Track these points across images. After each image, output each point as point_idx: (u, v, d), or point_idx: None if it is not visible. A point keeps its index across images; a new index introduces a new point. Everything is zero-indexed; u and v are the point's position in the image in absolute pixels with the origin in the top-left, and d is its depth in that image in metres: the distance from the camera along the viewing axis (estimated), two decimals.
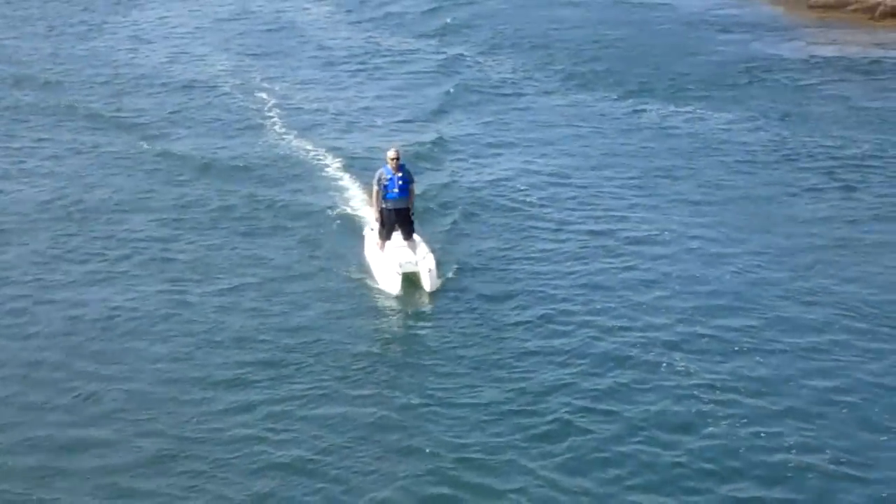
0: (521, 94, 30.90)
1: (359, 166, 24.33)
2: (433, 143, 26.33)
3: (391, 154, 19.04)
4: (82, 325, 17.49)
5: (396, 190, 19.00)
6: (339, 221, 21.71)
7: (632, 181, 23.84)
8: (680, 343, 16.56)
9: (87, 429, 14.71)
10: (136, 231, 21.21)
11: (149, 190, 23.47)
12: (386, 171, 19.04)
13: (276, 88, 31.57)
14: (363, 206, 22.04)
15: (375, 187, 19.13)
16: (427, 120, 28.65)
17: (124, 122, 28.29)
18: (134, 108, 29.34)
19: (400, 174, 19.02)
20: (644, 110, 29.04)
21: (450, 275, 18.94)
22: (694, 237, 20.68)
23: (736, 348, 16.43)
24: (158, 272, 19.35)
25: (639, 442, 14.18)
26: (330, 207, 22.39)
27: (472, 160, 25.48)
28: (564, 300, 18.07)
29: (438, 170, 24.59)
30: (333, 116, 29.05)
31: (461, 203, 22.68)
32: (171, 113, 29.02)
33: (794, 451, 13.92)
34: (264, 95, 30.86)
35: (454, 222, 21.64)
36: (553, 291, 18.42)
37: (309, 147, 26.35)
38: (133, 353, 16.55)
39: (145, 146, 26.29)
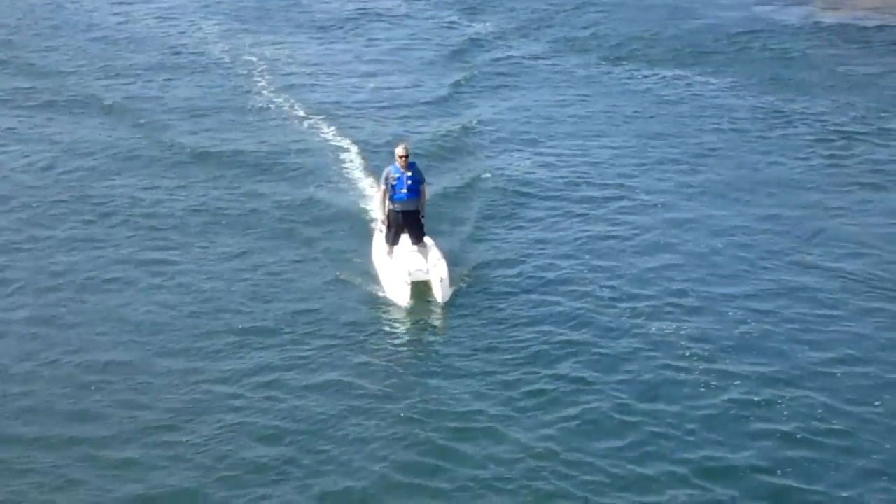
0: (519, 65, 30.08)
1: (369, 154, 23.15)
2: (435, 131, 25.08)
3: (400, 151, 17.46)
4: (67, 292, 17.39)
5: (405, 190, 17.43)
6: (345, 219, 20.26)
7: (647, 163, 22.87)
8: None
9: (78, 400, 14.43)
10: (124, 222, 20.02)
11: (143, 181, 22.23)
12: (394, 169, 17.47)
13: (284, 67, 30.33)
14: (373, 202, 20.49)
15: (382, 187, 17.56)
16: (420, 103, 27.51)
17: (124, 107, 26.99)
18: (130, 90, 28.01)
19: (409, 172, 17.45)
20: (643, 76, 29.20)
21: (463, 283, 17.41)
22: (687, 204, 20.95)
23: (732, 313, 16.53)
24: (143, 276, 17.99)
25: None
26: (337, 203, 20.94)
27: (481, 151, 24.09)
28: (591, 316, 16.53)
29: (449, 161, 23.13)
30: (341, 99, 27.84)
31: (474, 198, 21.21)
32: (170, 97, 27.73)
33: (784, 418, 13.85)
34: (271, 76, 29.57)
35: (466, 220, 20.18)
36: (577, 304, 16.91)
37: (317, 133, 24.99)
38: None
39: (140, 133, 25.09)
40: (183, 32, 34.84)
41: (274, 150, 24.10)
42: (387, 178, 17.46)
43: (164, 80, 29.38)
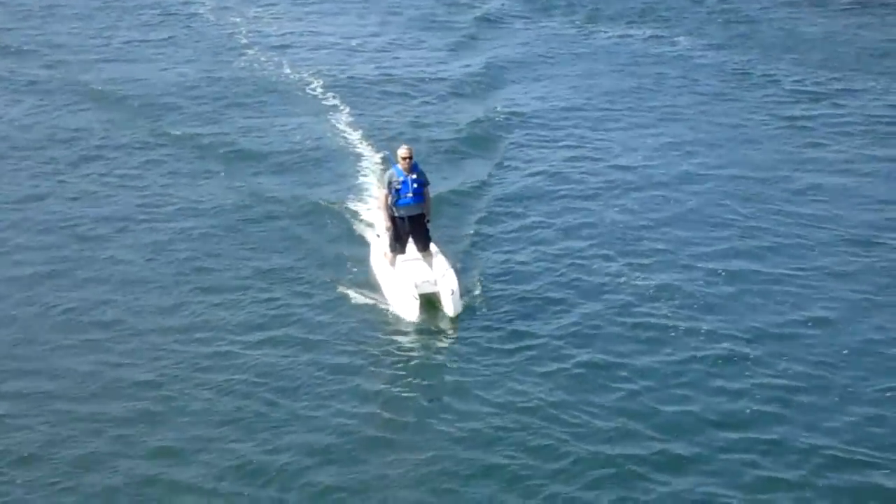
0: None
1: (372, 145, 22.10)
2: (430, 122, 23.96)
3: (403, 152, 16.18)
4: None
5: (410, 194, 16.17)
6: (344, 222, 19.03)
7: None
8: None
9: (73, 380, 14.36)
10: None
11: (137, 172, 21.39)
12: (397, 172, 16.20)
13: (290, 48, 29.37)
14: (363, 198, 19.46)
15: (385, 191, 16.29)
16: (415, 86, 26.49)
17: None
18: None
19: (413, 175, 16.18)
20: (604, 36, 30.16)
21: (474, 293, 16.19)
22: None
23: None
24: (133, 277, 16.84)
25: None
26: (336, 203, 19.67)
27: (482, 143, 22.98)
28: (612, 331, 15.39)
29: (455, 157, 21.94)
30: (350, 79, 27.08)
31: (479, 198, 19.99)
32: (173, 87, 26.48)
33: (756, 374, 14.02)
34: (276, 55, 28.60)
35: (473, 222, 18.95)
36: (595, 314, 15.73)
37: (321, 120, 23.97)
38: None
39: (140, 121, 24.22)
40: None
41: (272, 139, 23.03)
42: (390, 182, 16.19)
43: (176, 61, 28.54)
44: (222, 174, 21.26)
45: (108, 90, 26.20)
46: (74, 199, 20.20)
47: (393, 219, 16.31)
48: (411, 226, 16.33)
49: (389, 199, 16.20)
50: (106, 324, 15.73)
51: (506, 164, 21.77)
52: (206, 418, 13.42)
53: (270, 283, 16.83)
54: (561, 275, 16.91)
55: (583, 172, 21.14)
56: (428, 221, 16.45)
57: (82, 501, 12.08)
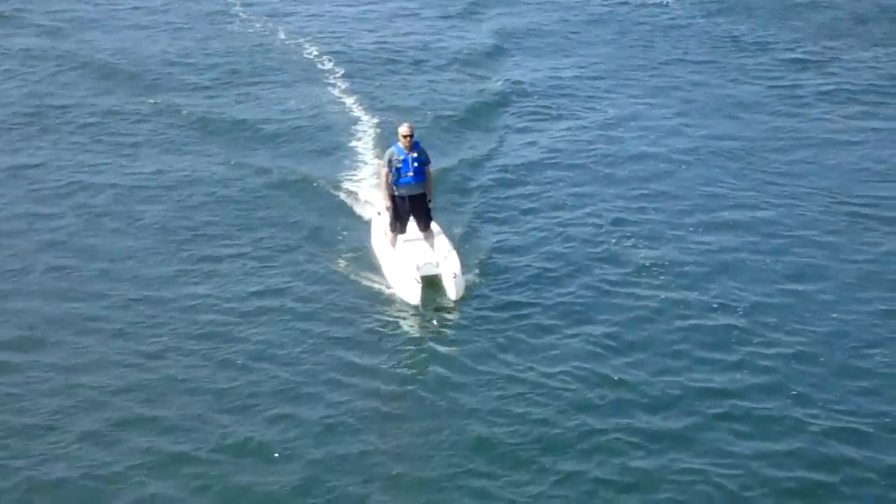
0: None
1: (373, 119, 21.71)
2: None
3: (404, 130, 15.74)
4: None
5: (411, 173, 15.75)
6: (344, 198, 18.62)
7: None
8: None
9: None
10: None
11: (133, 144, 20.99)
12: (397, 150, 15.77)
13: (289, 17, 28.97)
14: (375, 177, 18.97)
15: (385, 170, 15.87)
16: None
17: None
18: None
19: (415, 154, 15.76)
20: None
21: (476, 273, 15.81)
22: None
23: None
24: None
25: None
26: (335, 178, 19.28)
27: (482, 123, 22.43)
28: (619, 303, 15.08)
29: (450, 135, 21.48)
30: (354, 52, 26.44)
31: (479, 176, 19.58)
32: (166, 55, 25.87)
33: (740, 343, 14.08)
34: (274, 23, 28.24)
35: (473, 200, 18.58)
36: (604, 291, 15.42)
37: (318, 98, 23.30)
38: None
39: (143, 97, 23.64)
40: None
41: (269, 112, 22.58)
42: (390, 161, 15.77)
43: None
44: (219, 147, 20.88)
45: (104, 59, 25.75)
46: (70, 168, 19.96)
47: (393, 198, 15.91)
48: (412, 205, 15.93)
49: (390, 177, 15.78)
50: (100, 295, 15.54)
51: (501, 137, 21.40)
52: (202, 394, 13.26)
53: (268, 260, 16.50)
54: (559, 252, 16.61)
55: (576, 144, 20.89)
56: (429, 201, 16.05)
57: (73, 474, 11.93)
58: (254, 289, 15.67)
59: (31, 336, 14.59)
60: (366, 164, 19.82)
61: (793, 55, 25.81)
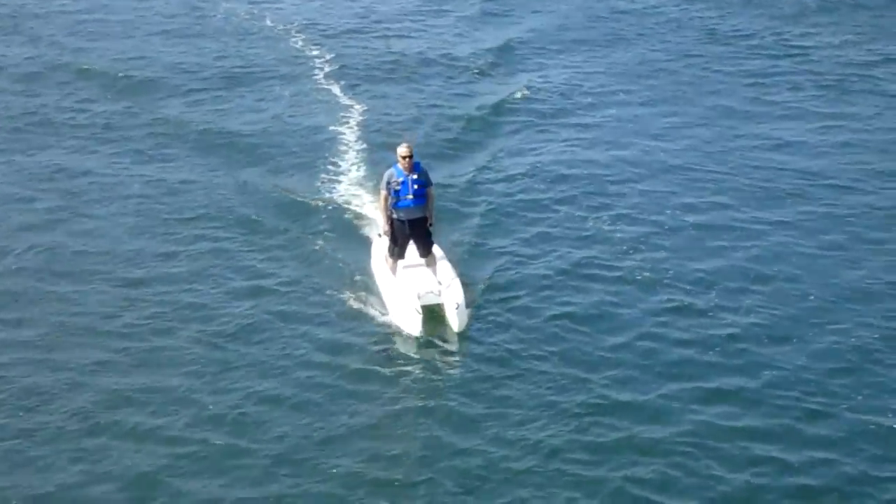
0: None
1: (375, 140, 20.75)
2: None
3: (403, 150, 14.93)
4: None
5: (411, 196, 14.94)
6: (342, 220, 17.79)
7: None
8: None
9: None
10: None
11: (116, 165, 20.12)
12: (396, 171, 14.96)
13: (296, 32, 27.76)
14: (375, 195, 18.17)
15: (384, 192, 15.05)
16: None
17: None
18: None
19: (415, 175, 14.95)
20: None
21: (479, 302, 14.99)
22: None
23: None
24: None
25: None
26: (333, 199, 18.45)
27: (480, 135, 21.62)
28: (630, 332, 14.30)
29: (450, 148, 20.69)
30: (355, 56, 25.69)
31: (482, 194, 18.76)
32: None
33: (716, 320, 14.41)
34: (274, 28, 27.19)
35: (475, 221, 17.75)
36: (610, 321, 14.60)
37: (315, 105, 22.60)
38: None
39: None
40: None
41: (263, 124, 21.80)
42: (389, 183, 14.96)
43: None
44: (207, 162, 20.13)
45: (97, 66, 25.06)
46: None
47: (391, 221, 15.10)
48: (412, 229, 15.13)
49: (388, 200, 14.98)
50: (81, 274, 15.87)
51: (498, 149, 20.71)
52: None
53: (261, 284, 15.78)
54: (566, 278, 15.82)
55: (579, 157, 20.18)
56: (430, 225, 15.23)
57: (44, 449, 12.13)
58: (248, 312, 14.95)
59: (11, 313, 14.87)
60: (364, 182, 18.98)
61: (768, 42, 25.89)
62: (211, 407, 12.93)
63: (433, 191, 15.25)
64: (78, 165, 19.79)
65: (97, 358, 13.88)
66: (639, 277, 15.61)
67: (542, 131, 21.47)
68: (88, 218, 17.79)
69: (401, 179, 14.89)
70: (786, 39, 26.54)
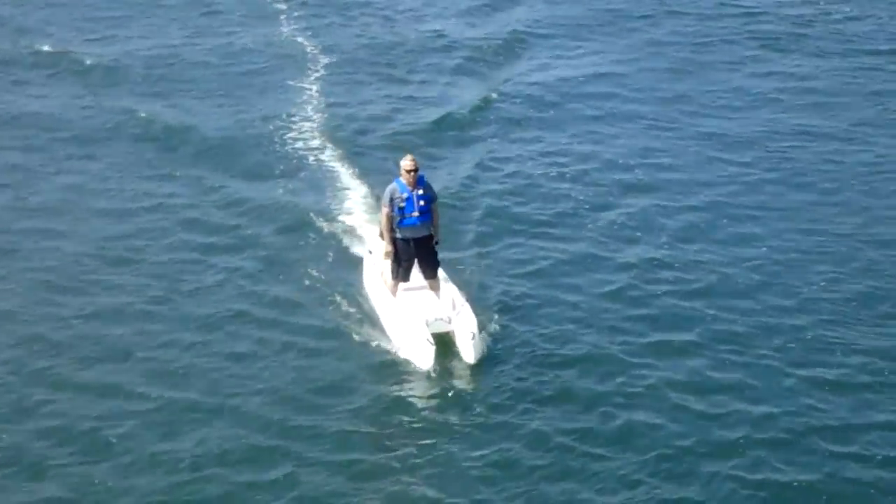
0: None
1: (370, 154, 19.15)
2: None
3: (407, 163, 13.58)
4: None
5: (416, 213, 13.61)
6: (330, 232, 16.36)
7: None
8: None
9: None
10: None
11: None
12: (399, 186, 13.61)
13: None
14: (363, 204, 16.94)
15: (386, 210, 13.69)
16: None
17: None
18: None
19: (420, 191, 13.62)
20: None
21: (493, 328, 13.70)
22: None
23: None
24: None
25: None
26: (327, 213, 16.94)
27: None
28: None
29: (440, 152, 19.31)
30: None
31: (476, 198, 17.50)
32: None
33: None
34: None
35: (473, 230, 16.51)
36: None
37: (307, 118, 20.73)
38: None
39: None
40: None
41: (237, 129, 20.05)
42: (392, 199, 13.61)
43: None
44: (178, 170, 18.54)
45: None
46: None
47: (394, 241, 13.76)
48: (417, 249, 13.81)
49: (391, 218, 13.63)
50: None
51: (493, 149, 19.38)
52: None
53: (243, 304, 14.42)
54: (581, 295, 14.64)
55: (584, 155, 18.96)
56: (436, 243, 13.93)
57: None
58: (221, 349, 13.53)
59: None
60: (351, 193, 17.56)
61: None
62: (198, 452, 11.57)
63: (437, 205, 13.93)
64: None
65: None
66: (672, 309, 14.33)
67: (532, 128, 20.23)
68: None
69: (405, 195, 13.55)
70: None
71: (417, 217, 13.60)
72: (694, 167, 18.43)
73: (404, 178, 13.56)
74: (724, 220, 16.63)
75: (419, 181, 13.64)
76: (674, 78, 22.31)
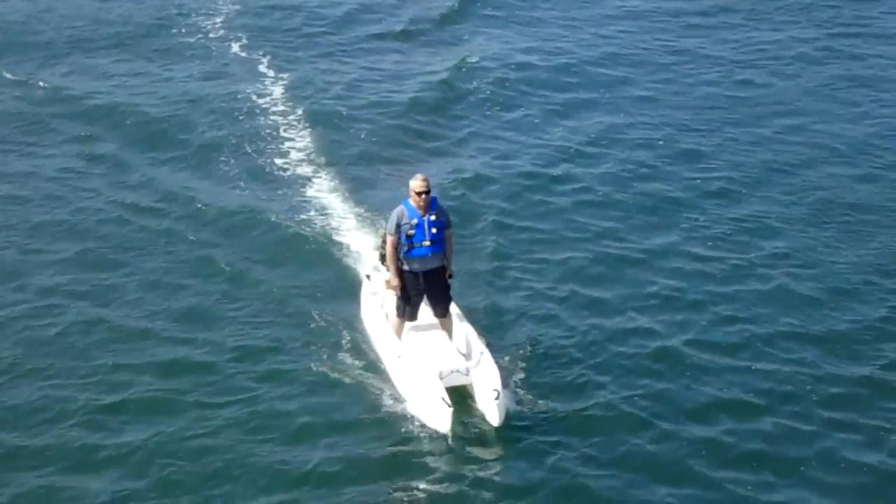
0: None
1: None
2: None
3: (418, 185, 11.46)
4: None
5: (427, 242, 11.54)
6: (321, 249, 14.40)
7: None
8: None
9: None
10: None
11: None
12: (409, 211, 11.53)
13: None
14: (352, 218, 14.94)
15: (392, 238, 11.59)
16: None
17: None
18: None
19: (432, 216, 11.54)
20: None
21: (517, 379, 11.69)
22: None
23: None
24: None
25: None
26: (324, 236, 14.87)
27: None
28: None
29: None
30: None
31: (474, 204, 15.61)
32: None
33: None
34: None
35: (476, 248, 14.53)
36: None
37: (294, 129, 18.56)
38: None
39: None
40: None
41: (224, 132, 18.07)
42: (399, 225, 11.51)
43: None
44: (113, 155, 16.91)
45: None
46: None
47: (400, 273, 11.68)
48: (427, 283, 11.76)
49: (399, 247, 11.56)
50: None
51: (475, 145, 17.72)
52: None
53: (216, 347, 12.44)
54: (605, 331, 12.80)
55: (586, 150, 17.58)
56: (450, 276, 11.86)
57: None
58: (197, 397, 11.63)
59: None
60: (339, 204, 15.52)
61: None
62: None
63: (451, 233, 11.86)
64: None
65: None
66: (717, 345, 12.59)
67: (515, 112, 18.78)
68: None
69: (415, 221, 11.48)
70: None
71: (429, 247, 11.55)
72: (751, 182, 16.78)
73: (414, 201, 11.48)
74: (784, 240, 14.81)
75: (432, 203, 11.55)
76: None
